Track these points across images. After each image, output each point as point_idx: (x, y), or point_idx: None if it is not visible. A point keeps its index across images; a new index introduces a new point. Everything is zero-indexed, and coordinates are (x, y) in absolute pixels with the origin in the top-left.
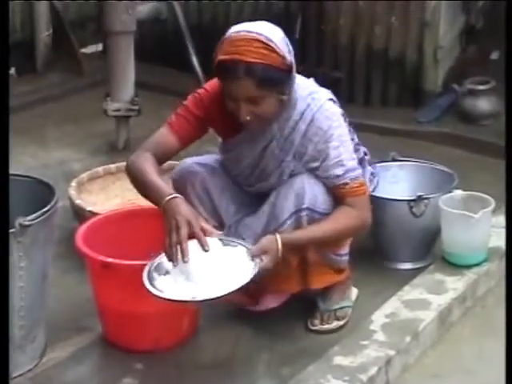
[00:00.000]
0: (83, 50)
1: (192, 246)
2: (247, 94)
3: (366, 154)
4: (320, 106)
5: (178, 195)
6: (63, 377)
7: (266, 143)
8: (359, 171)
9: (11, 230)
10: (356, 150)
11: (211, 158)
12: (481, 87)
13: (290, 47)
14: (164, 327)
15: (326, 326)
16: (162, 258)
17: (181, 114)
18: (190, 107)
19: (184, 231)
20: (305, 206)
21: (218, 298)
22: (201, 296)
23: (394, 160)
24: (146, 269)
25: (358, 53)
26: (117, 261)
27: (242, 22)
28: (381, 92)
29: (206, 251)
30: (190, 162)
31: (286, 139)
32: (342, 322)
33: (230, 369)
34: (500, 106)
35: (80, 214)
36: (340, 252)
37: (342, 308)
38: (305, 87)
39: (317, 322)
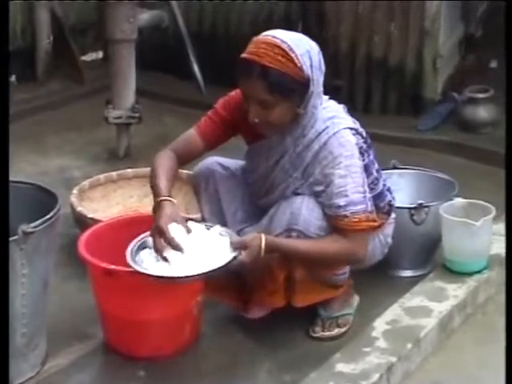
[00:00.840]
0: (83, 58)
1: (178, 229)
2: (258, 96)
3: (388, 190)
4: (337, 131)
5: (168, 198)
6: None
7: (279, 156)
8: (362, 206)
9: (14, 238)
10: (375, 184)
11: (236, 163)
12: (480, 95)
13: (316, 64)
14: (166, 334)
15: (328, 333)
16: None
17: (209, 115)
18: (219, 109)
19: (157, 241)
20: (297, 227)
21: (183, 277)
22: (169, 274)
23: (394, 168)
24: (132, 244)
25: (358, 61)
26: (119, 268)
27: (242, 30)
28: (381, 100)
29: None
30: (213, 160)
31: (298, 155)
32: (343, 329)
33: (231, 376)
34: (499, 114)
35: (81, 222)
36: (337, 272)
37: (343, 315)
38: (330, 110)
39: (318, 329)
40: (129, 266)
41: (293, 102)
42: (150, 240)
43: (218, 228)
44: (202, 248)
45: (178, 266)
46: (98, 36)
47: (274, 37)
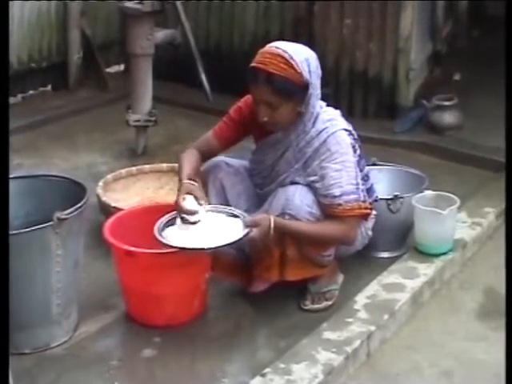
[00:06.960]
0: (108, 70)
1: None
2: (265, 98)
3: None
4: (334, 131)
5: (187, 181)
6: (93, 347)
7: (284, 149)
8: (355, 196)
9: (50, 223)
10: (365, 180)
11: (240, 162)
12: (446, 103)
13: (314, 69)
14: (178, 306)
15: (317, 306)
16: (172, 216)
17: (224, 120)
18: (231, 114)
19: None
20: (289, 211)
21: (203, 249)
22: (194, 245)
23: (374, 164)
24: (159, 222)
25: (343, 73)
26: (138, 249)
27: (243, 47)
28: (362, 106)
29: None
30: (220, 159)
31: (300, 150)
32: (330, 303)
33: (234, 342)
34: (462, 119)
35: (106, 210)
36: (323, 254)
37: (330, 290)
38: (329, 114)
39: (308, 302)
40: (156, 239)
41: (295, 102)
42: (175, 218)
43: (230, 209)
44: (218, 225)
45: (198, 239)
46: (121, 51)
47: (277, 47)
